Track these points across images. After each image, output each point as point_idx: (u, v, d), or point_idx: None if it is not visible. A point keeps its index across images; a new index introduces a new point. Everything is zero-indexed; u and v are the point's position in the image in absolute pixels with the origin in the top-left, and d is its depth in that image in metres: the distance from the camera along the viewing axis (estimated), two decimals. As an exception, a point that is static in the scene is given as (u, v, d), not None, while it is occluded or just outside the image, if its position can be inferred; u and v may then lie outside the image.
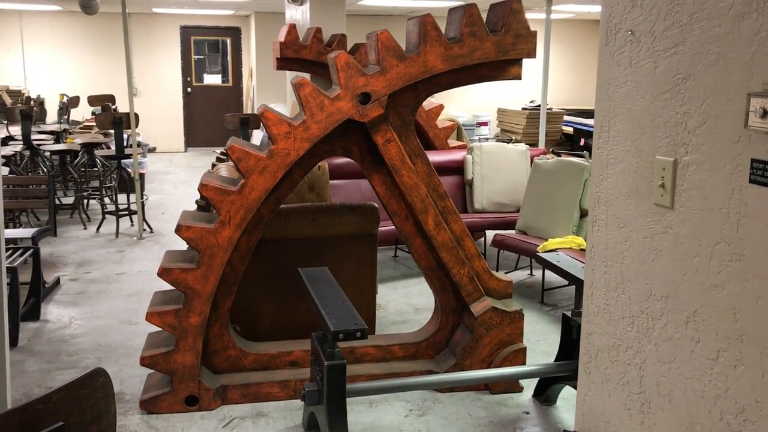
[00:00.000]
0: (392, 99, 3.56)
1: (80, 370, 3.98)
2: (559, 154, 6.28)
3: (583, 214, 5.20)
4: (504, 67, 3.65)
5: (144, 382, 3.72)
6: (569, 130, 9.83)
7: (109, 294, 5.30)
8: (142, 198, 7.00)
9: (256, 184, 3.41)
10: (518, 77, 3.71)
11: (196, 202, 4.23)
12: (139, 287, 5.44)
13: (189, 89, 13.58)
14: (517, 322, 3.77)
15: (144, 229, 7.11)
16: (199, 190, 3.38)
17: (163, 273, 3.39)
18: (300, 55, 6.08)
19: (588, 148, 9.13)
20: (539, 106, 10.10)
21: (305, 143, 3.43)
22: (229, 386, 3.59)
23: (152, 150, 12.95)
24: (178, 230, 3.39)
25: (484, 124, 11.77)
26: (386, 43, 3.41)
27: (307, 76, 6.58)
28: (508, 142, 6.63)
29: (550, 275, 5.38)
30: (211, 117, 13.27)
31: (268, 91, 12.05)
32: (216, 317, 3.62)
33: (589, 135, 9.44)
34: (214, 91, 13.87)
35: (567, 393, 3.62)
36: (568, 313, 3.44)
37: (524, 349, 3.75)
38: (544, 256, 3.52)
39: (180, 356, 3.47)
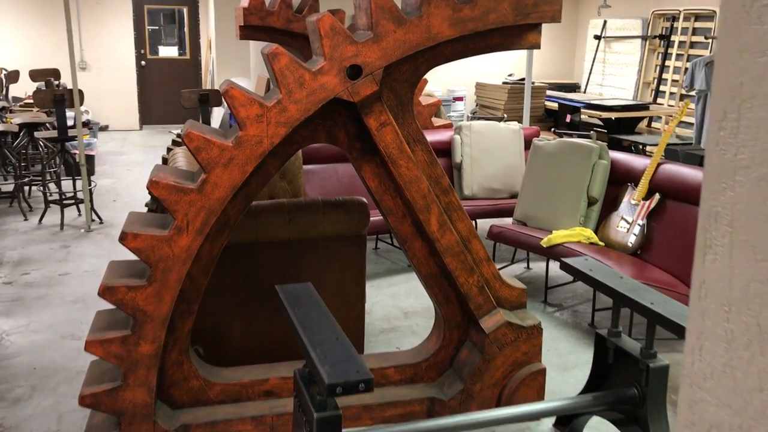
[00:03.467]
0: (387, 73, 2.91)
1: (8, 404, 3.29)
2: (561, 135, 5.69)
3: (591, 202, 4.62)
4: (520, 34, 3.02)
5: (87, 419, 3.05)
6: (553, 105, 9.26)
7: (50, 300, 4.58)
8: (89, 185, 6.23)
9: (221, 179, 2.74)
10: (536, 46, 3.08)
11: (146, 205, 3.53)
12: (86, 291, 4.73)
13: (143, 62, 12.66)
14: (534, 339, 3.18)
15: (93, 220, 6.36)
16: (148, 188, 2.70)
17: (106, 293, 2.72)
18: (266, 23, 5.35)
19: (574, 125, 8.57)
20: (521, 80, 9.51)
21: (281, 128, 2.76)
22: (191, 425, 2.94)
23: (104, 128, 12.06)
24: (124, 239, 2.71)
25: (460, 99, 11.14)
26: (381, 2, 2.74)
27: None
28: (499, 120, 6.03)
29: (553, 270, 4.81)
30: (168, 92, 12.39)
31: (229, 64, 11.22)
32: (173, 342, 2.96)
33: (574, 111, 8.88)
34: (170, 65, 12.97)
35: (594, 421, 3.06)
36: (603, 332, 2.86)
37: (543, 371, 3.18)
38: (572, 263, 2.93)
39: (129, 393, 2.80)
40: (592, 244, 4.43)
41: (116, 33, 12.27)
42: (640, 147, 7.76)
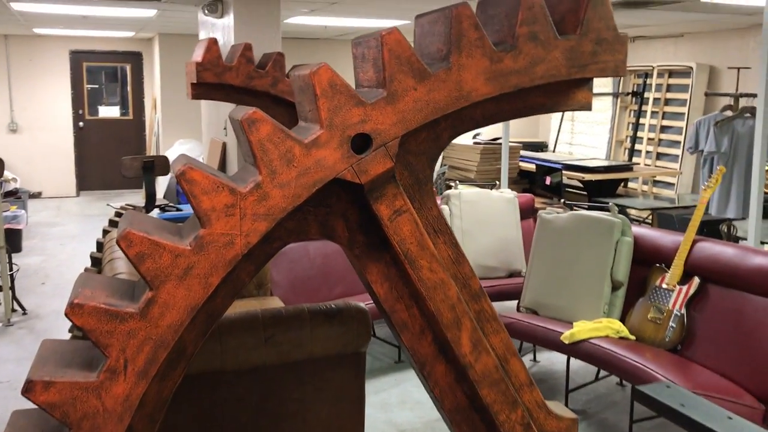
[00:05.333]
0: (401, 143, 2.16)
1: None
2: (571, 207, 5.04)
3: (615, 287, 3.93)
4: (568, 92, 2.32)
5: None
6: (528, 166, 8.69)
7: (-52, 428, 3.59)
8: (10, 270, 5.27)
9: (174, 299, 1.92)
10: (587, 107, 2.39)
11: (70, 330, 2.68)
12: (-3, 412, 3.76)
13: (81, 123, 11.75)
14: (597, 490, 2.40)
15: (14, 310, 5.37)
16: (68, 315, 1.85)
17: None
18: (223, 80, 4.60)
19: (552, 187, 8.00)
20: (493, 140, 8.97)
21: (261, 223, 1.97)
22: None
23: (36, 196, 11.02)
24: (30, 390, 1.84)
25: (424, 159, 10.50)
26: (397, 50, 2.02)
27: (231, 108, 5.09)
28: (491, 188, 5.36)
29: (575, 365, 4.07)
30: (109, 155, 11.47)
31: (177, 125, 10.41)
32: None
33: (549, 171, 8.32)
34: (111, 126, 12.08)
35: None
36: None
37: None
38: (654, 395, 2.19)
39: None
40: (622, 338, 3.72)
41: (52, 92, 11.37)
42: (626, 211, 7.20)
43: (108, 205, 7.04)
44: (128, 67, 12.18)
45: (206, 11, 5.64)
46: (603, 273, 3.92)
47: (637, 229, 4.09)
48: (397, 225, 2.17)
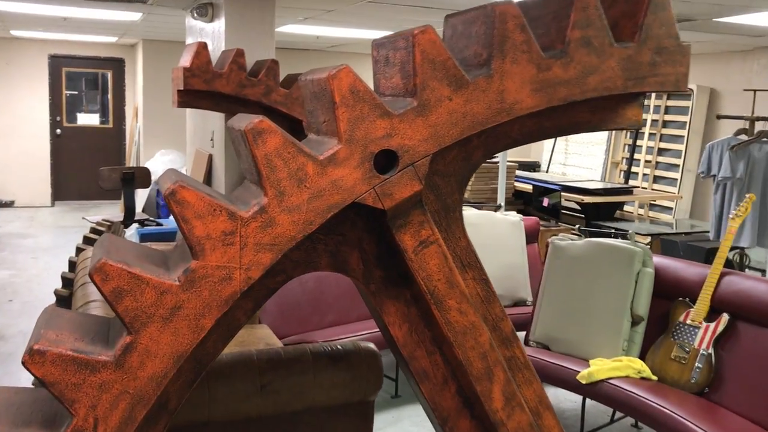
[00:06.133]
0: (430, 162, 1.85)
1: None
2: (586, 233, 4.75)
3: (635, 321, 3.63)
4: (617, 107, 2.02)
5: None
6: (526, 187, 8.41)
7: None
8: (-27, 286, 4.86)
9: (157, 345, 1.58)
10: (636, 125, 2.09)
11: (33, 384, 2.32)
12: (-50, 449, 3.34)
13: (59, 131, 11.33)
14: None
15: (-23, 330, 4.96)
16: (25, 364, 1.51)
17: None
18: (213, 87, 4.28)
19: (549, 209, 7.72)
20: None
21: (265, 254, 1.64)
22: None
23: (8, 205, 10.56)
24: (-27, 456, 1.49)
25: (414, 176, 10.19)
26: (432, 52, 1.70)
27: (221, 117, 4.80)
28: (495, 210, 5.06)
29: (591, 405, 3.76)
30: (87, 164, 11.06)
31: (159, 134, 10.04)
32: None
33: (546, 192, 8.04)
34: (90, 134, 11.67)
35: None
36: None
37: None
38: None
39: None
40: (643, 379, 3.41)
41: (29, 97, 10.95)
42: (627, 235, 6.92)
43: (84, 218, 6.64)
44: (110, 74, 11.80)
45: (195, 15, 5.32)
46: (622, 306, 3.61)
47: (658, 260, 3.80)
48: (423, 258, 1.85)
